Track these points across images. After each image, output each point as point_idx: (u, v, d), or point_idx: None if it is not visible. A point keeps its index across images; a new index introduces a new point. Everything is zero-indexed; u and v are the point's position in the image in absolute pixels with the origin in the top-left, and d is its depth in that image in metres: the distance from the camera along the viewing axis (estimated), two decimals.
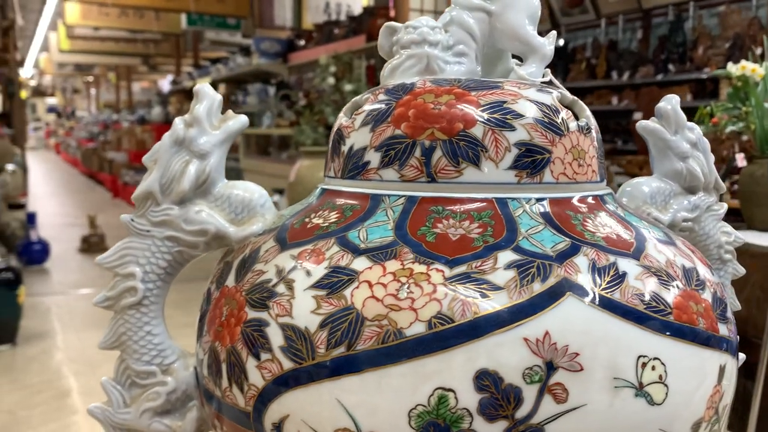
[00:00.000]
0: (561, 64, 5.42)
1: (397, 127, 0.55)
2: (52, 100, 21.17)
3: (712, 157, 0.71)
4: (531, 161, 0.54)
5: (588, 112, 0.60)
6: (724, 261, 0.72)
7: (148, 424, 0.60)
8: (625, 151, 4.49)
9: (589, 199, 0.56)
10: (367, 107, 0.58)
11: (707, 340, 0.50)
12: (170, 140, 0.57)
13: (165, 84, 9.24)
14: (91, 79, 15.18)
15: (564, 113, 0.56)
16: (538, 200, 0.53)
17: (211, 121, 0.58)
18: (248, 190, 0.60)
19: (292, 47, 5.59)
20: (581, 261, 0.49)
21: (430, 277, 0.47)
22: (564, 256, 0.49)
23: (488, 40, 0.63)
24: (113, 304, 0.59)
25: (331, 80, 4.45)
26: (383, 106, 0.57)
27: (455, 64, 0.62)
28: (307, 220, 0.56)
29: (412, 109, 0.55)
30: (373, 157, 0.56)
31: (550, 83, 0.63)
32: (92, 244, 4.87)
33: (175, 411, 0.61)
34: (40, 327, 3.09)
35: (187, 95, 7.52)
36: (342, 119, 0.61)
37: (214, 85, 6.57)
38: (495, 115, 0.54)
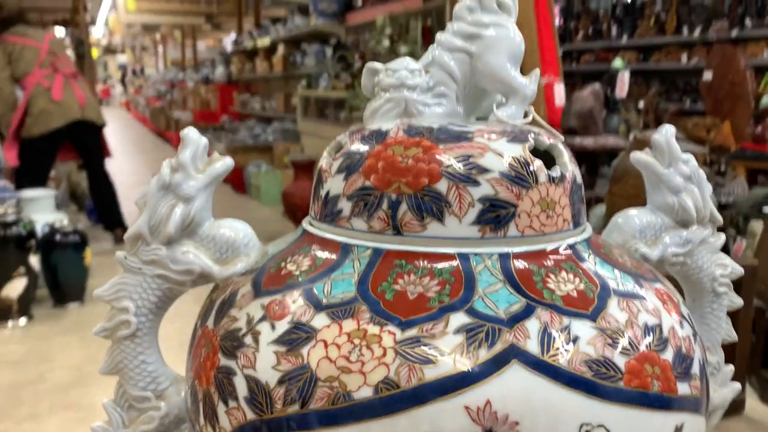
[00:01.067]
0: (628, 20, 5.21)
1: (367, 178, 0.56)
2: (122, 58, 21.77)
3: (708, 188, 0.69)
4: (495, 216, 0.54)
5: (566, 157, 0.60)
6: (718, 294, 0.71)
7: None
8: (693, 112, 4.32)
9: (561, 249, 0.57)
10: (345, 152, 0.59)
11: (661, 403, 0.51)
12: (157, 185, 0.61)
13: (228, 43, 9.36)
14: (158, 37, 15.51)
15: (534, 165, 0.56)
16: (501, 255, 0.54)
17: (196, 165, 0.61)
18: (233, 229, 0.62)
19: (350, 7, 5.56)
20: (533, 325, 0.50)
21: (382, 339, 0.49)
22: (516, 320, 0.50)
23: (470, 80, 0.63)
24: (110, 334, 0.64)
25: (386, 43, 4.43)
26: (357, 155, 0.58)
27: (435, 106, 0.62)
28: (282, 265, 0.59)
29: (382, 161, 0.56)
30: (346, 206, 0.58)
31: (533, 122, 0.63)
32: None
33: None
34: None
35: (248, 56, 7.60)
36: (324, 160, 0.62)
37: (273, 45, 6.61)
38: (460, 171, 0.54)
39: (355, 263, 0.55)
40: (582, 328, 0.50)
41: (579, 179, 0.61)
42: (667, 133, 0.67)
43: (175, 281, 0.62)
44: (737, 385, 0.74)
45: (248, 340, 0.53)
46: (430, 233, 0.54)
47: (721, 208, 2.21)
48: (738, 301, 0.72)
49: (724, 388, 0.73)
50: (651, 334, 0.53)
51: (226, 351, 0.54)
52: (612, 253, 0.61)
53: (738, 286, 0.72)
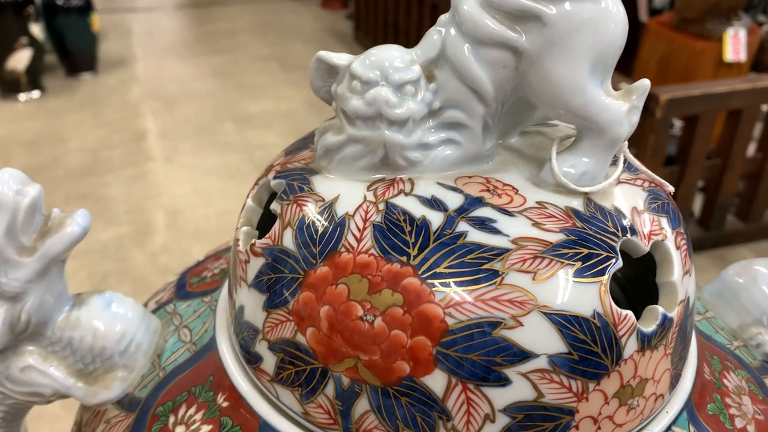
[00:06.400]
0: None
1: (301, 330, 0.30)
2: None
3: None
4: None
5: (676, 268, 0.32)
6: None
7: None
8: None
9: None
10: (272, 246, 0.33)
11: None
12: None
13: None
14: None
15: (619, 327, 0.29)
16: None
17: (19, 243, 0.35)
18: (99, 332, 0.38)
19: None
20: None
21: None
22: None
23: (511, 93, 0.33)
24: None
25: None
26: (286, 268, 0.31)
27: (440, 146, 0.33)
28: (171, 424, 0.35)
29: (326, 305, 0.30)
30: (267, 356, 0.33)
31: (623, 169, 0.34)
32: None
33: None
34: (120, 52, 2.97)
35: None
36: (241, 234, 0.36)
37: None
38: (474, 355, 0.28)
39: None
40: None
41: (692, 297, 0.34)
42: None
43: (23, 401, 0.40)
44: None
45: None
46: None
47: None
48: None
49: None
50: None
51: None
52: (725, 411, 0.36)
53: None
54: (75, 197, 1.78)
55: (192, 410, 0.35)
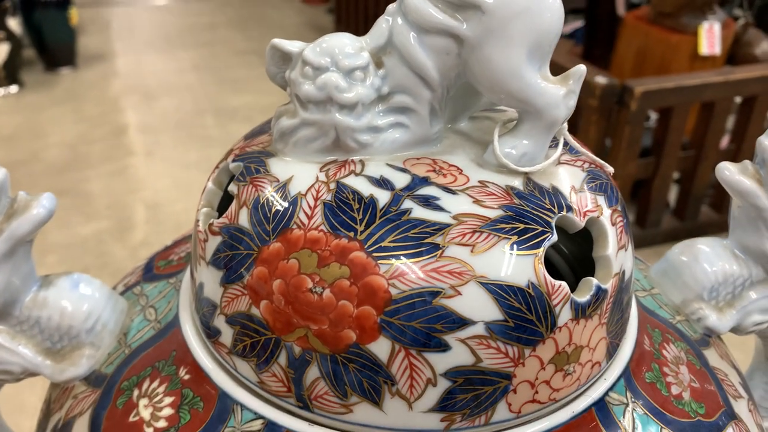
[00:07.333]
0: None
1: (255, 303, 0.32)
2: None
3: None
4: (473, 397, 0.31)
5: (610, 243, 0.34)
6: None
7: None
8: None
9: (579, 415, 0.34)
10: (229, 224, 0.34)
11: None
12: None
13: None
14: None
15: (554, 296, 0.31)
16: None
17: None
18: (69, 308, 0.39)
19: None
20: None
21: None
22: None
23: (456, 79, 0.35)
24: None
25: None
26: (241, 246, 0.33)
27: (390, 129, 0.35)
28: (134, 397, 0.37)
29: (278, 279, 0.31)
30: (224, 329, 0.34)
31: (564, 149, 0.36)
32: None
33: None
34: (99, 46, 2.97)
35: None
36: (201, 215, 0.37)
37: None
38: (414, 325, 0.30)
39: None
40: None
41: (629, 271, 0.36)
42: None
43: None
44: None
45: None
46: (357, 419, 0.32)
47: None
48: None
49: None
50: None
51: None
52: (662, 379, 0.38)
53: None
54: (55, 192, 1.76)
55: (155, 383, 0.37)
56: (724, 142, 1.67)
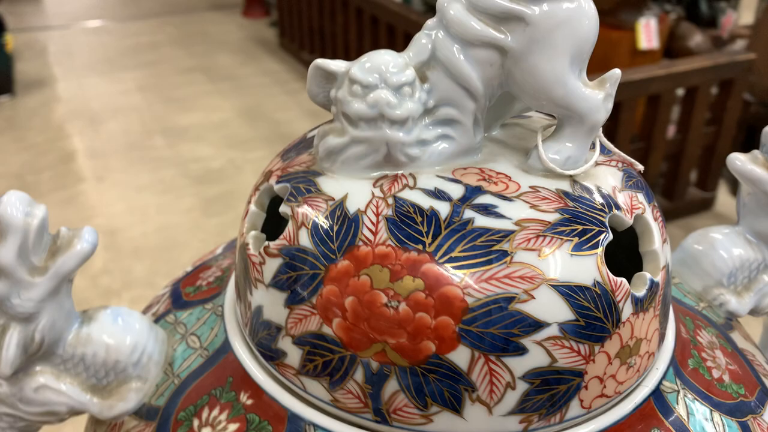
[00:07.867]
0: None
1: (326, 321, 0.32)
2: None
3: None
4: (549, 396, 0.32)
5: (656, 237, 0.36)
6: None
7: None
8: None
9: (639, 405, 0.36)
10: (287, 245, 0.34)
11: None
12: None
13: None
14: None
15: (617, 293, 0.32)
16: None
17: (30, 263, 0.36)
18: (111, 346, 0.39)
19: None
20: None
21: None
22: None
23: (497, 88, 0.36)
24: None
25: None
26: (306, 266, 0.33)
27: (437, 142, 0.36)
28: (195, 426, 0.36)
29: (351, 296, 0.32)
30: (291, 351, 0.34)
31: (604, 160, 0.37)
32: None
33: None
34: (38, 72, 2.87)
35: None
36: (249, 238, 0.37)
37: None
38: (493, 329, 0.31)
39: None
40: None
41: (671, 263, 0.38)
42: None
43: (37, 422, 0.40)
44: None
45: None
46: (438, 428, 0.32)
47: None
48: None
49: None
50: None
51: None
52: (703, 364, 0.40)
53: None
54: None
55: (216, 411, 0.36)
56: (671, 131, 1.74)
